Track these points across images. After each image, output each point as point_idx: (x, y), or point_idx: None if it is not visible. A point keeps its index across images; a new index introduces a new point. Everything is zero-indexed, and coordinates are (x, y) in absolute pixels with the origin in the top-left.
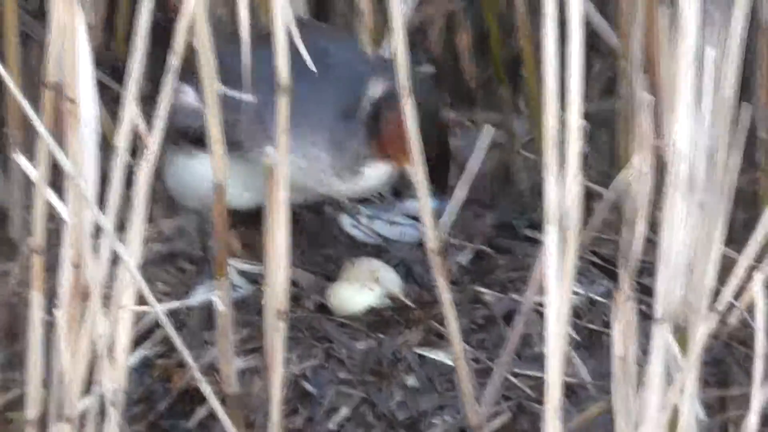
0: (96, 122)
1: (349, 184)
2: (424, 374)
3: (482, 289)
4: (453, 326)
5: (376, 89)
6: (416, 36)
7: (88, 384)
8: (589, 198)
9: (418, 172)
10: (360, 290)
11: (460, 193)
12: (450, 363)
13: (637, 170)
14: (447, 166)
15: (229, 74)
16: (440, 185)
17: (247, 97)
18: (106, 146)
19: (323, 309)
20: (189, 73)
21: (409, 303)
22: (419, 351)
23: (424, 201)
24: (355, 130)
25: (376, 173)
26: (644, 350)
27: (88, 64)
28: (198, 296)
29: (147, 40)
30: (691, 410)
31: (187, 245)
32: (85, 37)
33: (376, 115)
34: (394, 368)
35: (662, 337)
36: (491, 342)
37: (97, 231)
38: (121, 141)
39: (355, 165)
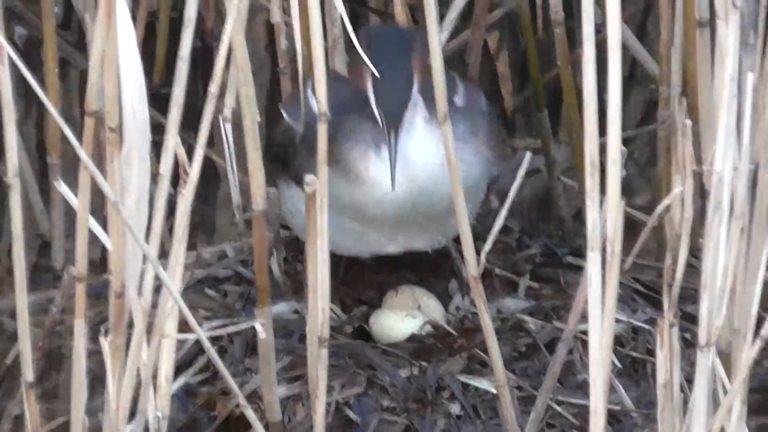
0: (146, 151)
1: None
2: (468, 402)
3: (525, 317)
4: (495, 354)
5: None
6: (454, 62)
7: (132, 412)
8: (630, 224)
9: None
10: (402, 318)
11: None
12: (493, 390)
13: (679, 196)
14: None
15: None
16: None
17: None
18: None
19: (365, 336)
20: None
21: (451, 330)
22: (462, 379)
23: (465, 227)
24: None
25: None
26: (688, 378)
27: (139, 91)
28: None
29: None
30: None
31: (228, 270)
32: (138, 66)
33: None
34: (438, 396)
35: (707, 362)
36: (534, 370)
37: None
38: (165, 169)
39: None
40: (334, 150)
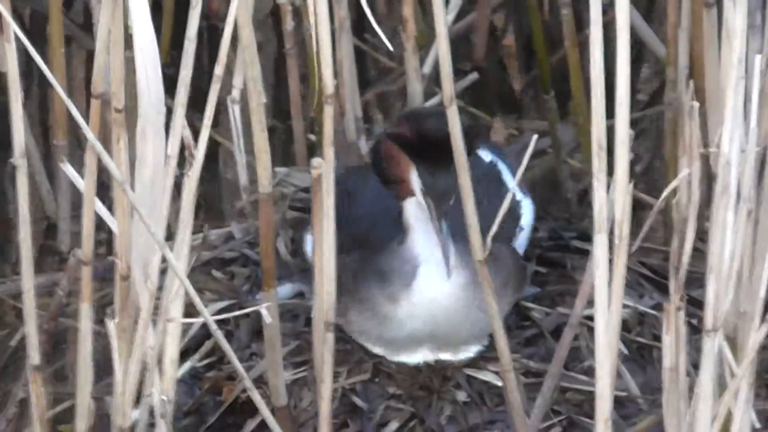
0: (160, 124)
1: None
2: (474, 389)
3: (530, 305)
4: (501, 339)
5: None
6: (460, 43)
7: (138, 396)
8: (637, 206)
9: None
10: None
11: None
12: (499, 378)
13: (685, 179)
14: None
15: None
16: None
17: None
18: None
19: None
20: None
21: None
22: (468, 372)
23: (471, 214)
24: None
25: None
26: (694, 363)
27: (153, 65)
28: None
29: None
30: (745, 417)
31: (234, 252)
32: (152, 39)
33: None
34: (444, 383)
35: (713, 346)
36: (540, 356)
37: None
38: (172, 149)
39: None
40: (361, 287)
